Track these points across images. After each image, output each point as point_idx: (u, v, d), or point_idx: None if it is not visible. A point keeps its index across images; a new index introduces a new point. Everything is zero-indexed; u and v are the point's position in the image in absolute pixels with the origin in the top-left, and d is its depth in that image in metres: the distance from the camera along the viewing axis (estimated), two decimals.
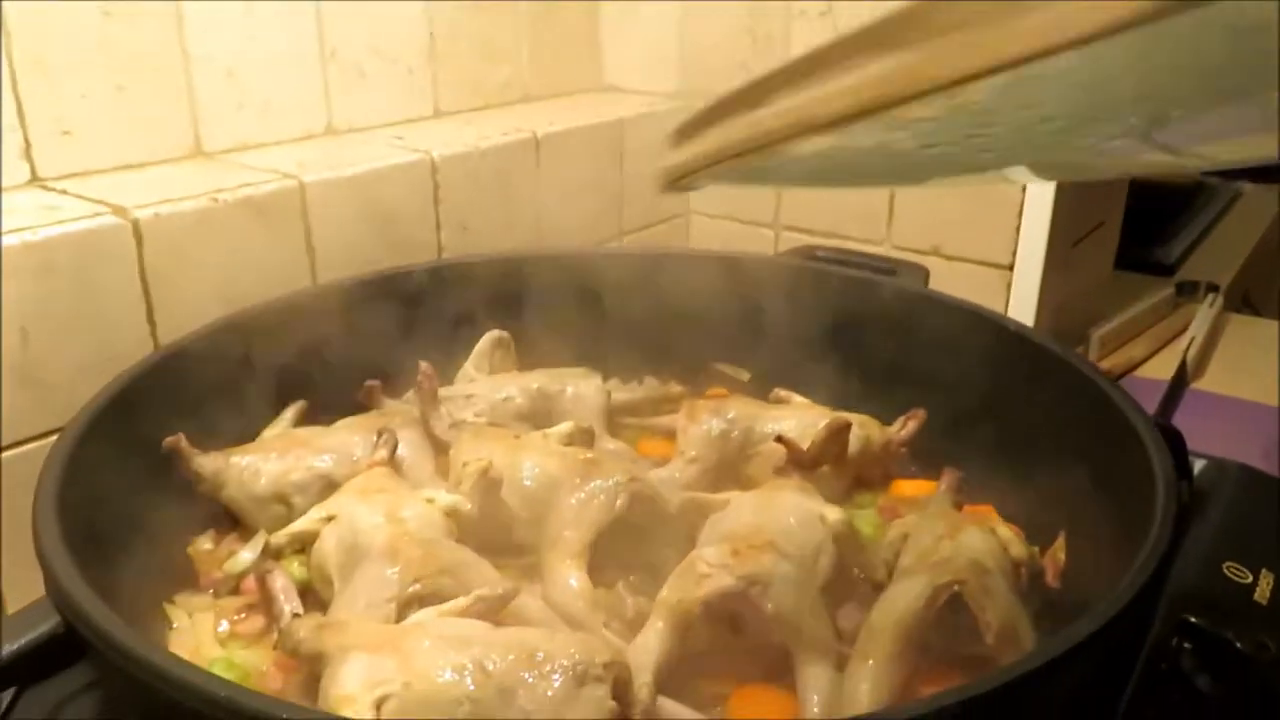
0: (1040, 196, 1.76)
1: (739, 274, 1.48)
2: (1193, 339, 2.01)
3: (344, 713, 0.77)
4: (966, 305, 1.31)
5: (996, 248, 1.80)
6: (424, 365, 1.22)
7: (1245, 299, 2.44)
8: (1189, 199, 2.90)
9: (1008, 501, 1.17)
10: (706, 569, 0.93)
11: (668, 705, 0.87)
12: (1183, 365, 1.92)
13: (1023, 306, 1.82)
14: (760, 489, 1.10)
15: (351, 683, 0.80)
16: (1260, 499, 1.31)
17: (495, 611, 0.92)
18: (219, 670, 0.93)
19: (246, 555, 1.11)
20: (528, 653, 0.81)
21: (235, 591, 1.07)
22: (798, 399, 1.33)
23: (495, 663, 0.80)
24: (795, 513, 1.02)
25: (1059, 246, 1.83)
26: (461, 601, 0.91)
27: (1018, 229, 1.79)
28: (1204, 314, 2.14)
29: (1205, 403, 1.87)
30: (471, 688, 0.79)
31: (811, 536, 1.00)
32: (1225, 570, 1.11)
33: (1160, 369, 2.00)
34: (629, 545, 1.11)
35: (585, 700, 0.79)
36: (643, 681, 0.85)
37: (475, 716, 0.78)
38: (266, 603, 0.97)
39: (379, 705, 0.79)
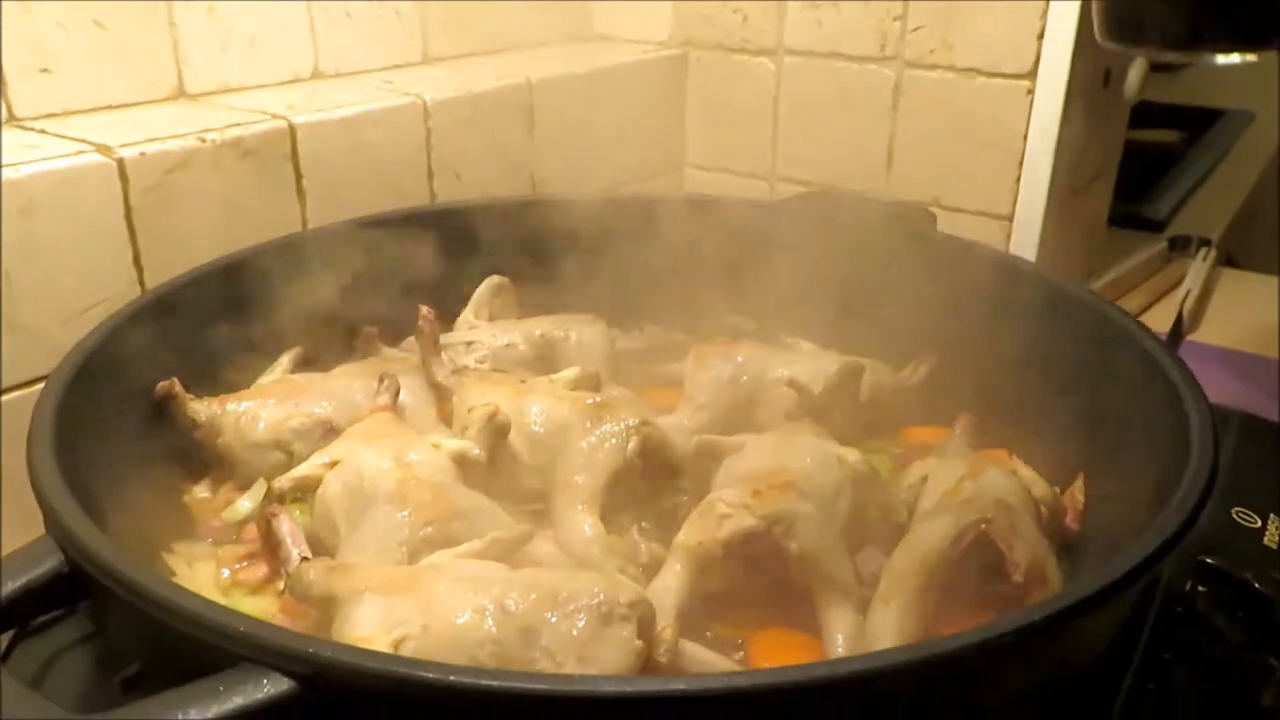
0: (1042, 146, 1.74)
1: (744, 220, 1.45)
2: (1189, 292, 2.01)
3: None
4: (981, 246, 1.29)
5: (996, 198, 1.78)
6: (424, 309, 1.19)
7: (1229, 256, 2.44)
8: (1177, 157, 2.90)
9: (1023, 446, 1.15)
10: (727, 509, 0.90)
11: (690, 648, 0.85)
12: (1179, 318, 1.91)
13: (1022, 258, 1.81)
14: (775, 432, 1.07)
15: (368, 625, 0.77)
16: (1264, 446, 1.31)
17: (510, 554, 0.89)
18: None
19: (246, 503, 1.07)
20: (549, 592, 0.79)
21: (235, 540, 1.04)
22: (806, 345, 1.30)
23: (516, 603, 0.78)
24: (813, 454, 1.00)
25: (1059, 198, 1.81)
26: (477, 544, 0.88)
27: (1018, 179, 1.77)
28: (1198, 268, 2.14)
29: (1202, 354, 1.86)
30: (493, 628, 0.76)
31: (830, 478, 0.98)
32: (1234, 515, 1.11)
33: (1155, 322, 1.99)
34: (641, 490, 1.08)
35: (611, 639, 0.77)
36: (665, 623, 0.82)
37: (498, 657, 0.75)
38: (272, 548, 0.93)
39: (397, 647, 0.76)
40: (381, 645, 0.75)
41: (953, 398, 1.25)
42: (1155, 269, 2.21)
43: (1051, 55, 1.66)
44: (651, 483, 1.09)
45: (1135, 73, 1.90)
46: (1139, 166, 2.47)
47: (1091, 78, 1.76)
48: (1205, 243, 2.31)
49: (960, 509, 0.91)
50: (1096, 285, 1.99)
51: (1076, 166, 1.88)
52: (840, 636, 0.88)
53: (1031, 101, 1.70)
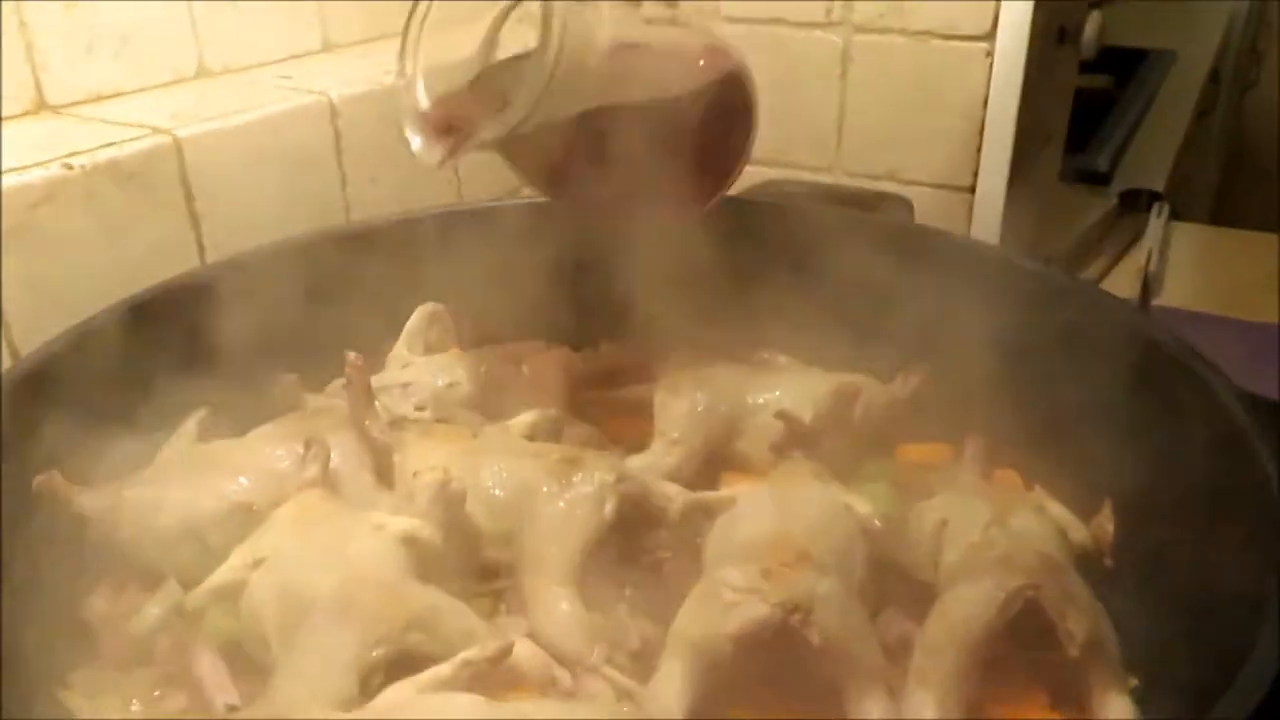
0: (1003, 111, 1.63)
1: (703, 217, 1.30)
2: (1150, 251, 1.93)
3: None
4: (964, 240, 1.17)
5: (957, 169, 1.66)
6: (351, 356, 1.02)
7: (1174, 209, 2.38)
8: (1109, 104, 2.83)
9: (1037, 466, 1.04)
10: (734, 596, 0.77)
11: None
12: (1146, 281, 1.84)
13: (986, 230, 1.70)
14: (770, 480, 0.94)
15: None
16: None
17: (487, 678, 0.75)
18: None
19: (155, 610, 0.90)
20: None
21: (145, 661, 0.87)
22: (784, 360, 1.17)
23: None
24: (821, 509, 0.87)
25: (1021, 165, 1.71)
26: (444, 670, 0.73)
27: (979, 148, 1.66)
28: (1155, 225, 2.06)
29: (1171, 320, 1.79)
30: None
31: (843, 535, 0.85)
32: None
33: (1117, 286, 1.91)
34: (620, 553, 0.94)
35: None
36: None
37: None
38: (192, 691, 0.77)
39: None
40: None
41: (949, 411, 1.13)
42: (1109, 227, 2.13)
43: (1011, 14, 1.54)
44: (629, 538, 0.96)
45: (1092, 26, 1.79)
46: (1074, 117, 2.39)
47: (1047, 35, 1.65)
48: (1156, 196, 2.24)
49: (999, 570, 0.79)
50: (1056, 250, 1.91)
51: (1035, 130, 1.78)
52: None
53: (991, 64, 1.58)
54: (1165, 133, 2.81)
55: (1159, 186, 2.34)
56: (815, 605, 0.76)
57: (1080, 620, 0.77)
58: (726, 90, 1.09)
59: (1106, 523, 0.94)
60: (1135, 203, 2.24)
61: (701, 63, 1.08)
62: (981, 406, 1.11)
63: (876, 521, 0.85)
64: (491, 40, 1.04)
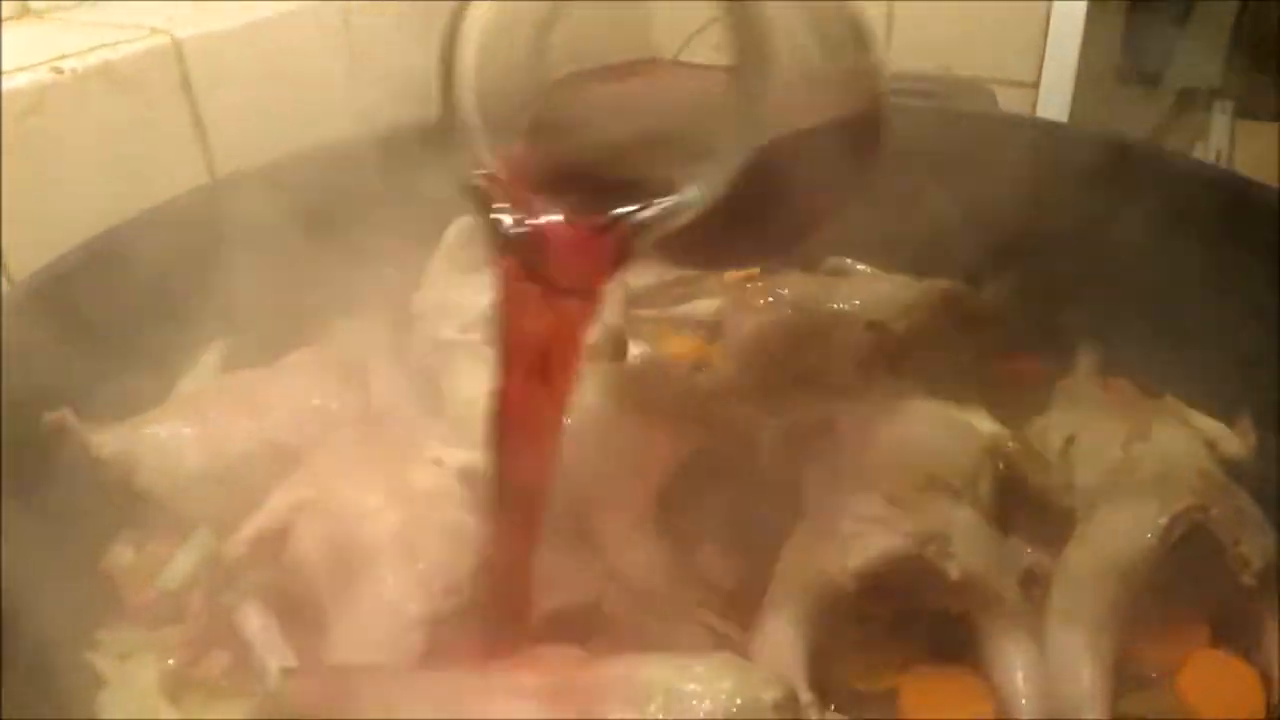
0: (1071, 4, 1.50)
1: None
2: (1219, 152, 1.80)
3: None
4: (1063, 127, 1.05)
5: (1019, 64, 1.53)
6: (386, 273, 0.91)
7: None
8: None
9: (1148, 372, 0.94)
10: (857, 526, 0.67)
11: None
12: None
13: None
14: (872, 398, 0.83)
15: None
16: None
17: (574, 626, 0.65)
18: None
19: (185, 562, 0.80)
20: (660, 698, 0.55)
21: (178, 617, 0.77)
22: (861, 268, 1.06)
23: None
24: (941, 429, 0.77)
25: (1089, 59, 1.58)
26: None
27: (1045, 38, 1.52)
28: (1220, 124, 1.93)
29: None
30: None
31: (970, 458, 0.75)
32: None
33: None
34: (703, 486, 0.84)
35: None
36: (808, 702, 0.60)
37: None
38: (241, 652, 0.68)
39: None
40: None
41: (1046, 319, 1.02)
42: (1169, 128, 2.00)
43: None
44: (714, 475, 0.86)
45: None
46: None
47: None
48: (1216, 93, 2.10)
49: (1157, 490, 0.69)
50: None
51: (1098, 22, 1.64)
52: (1019, 678, 0.67)
53: None
54: (1218, 24, 2.66)
55: (1216, 82, 2.20)
56: (954, 535, 0.66)
57: (1255, 544, 0.67)
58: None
59: (1245, 433, 0.83)
60: (1195, 100, 2.11)
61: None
62: (1086, 311, 1.00)
63: (1010, 441, 0.74)
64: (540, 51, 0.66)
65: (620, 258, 0.55)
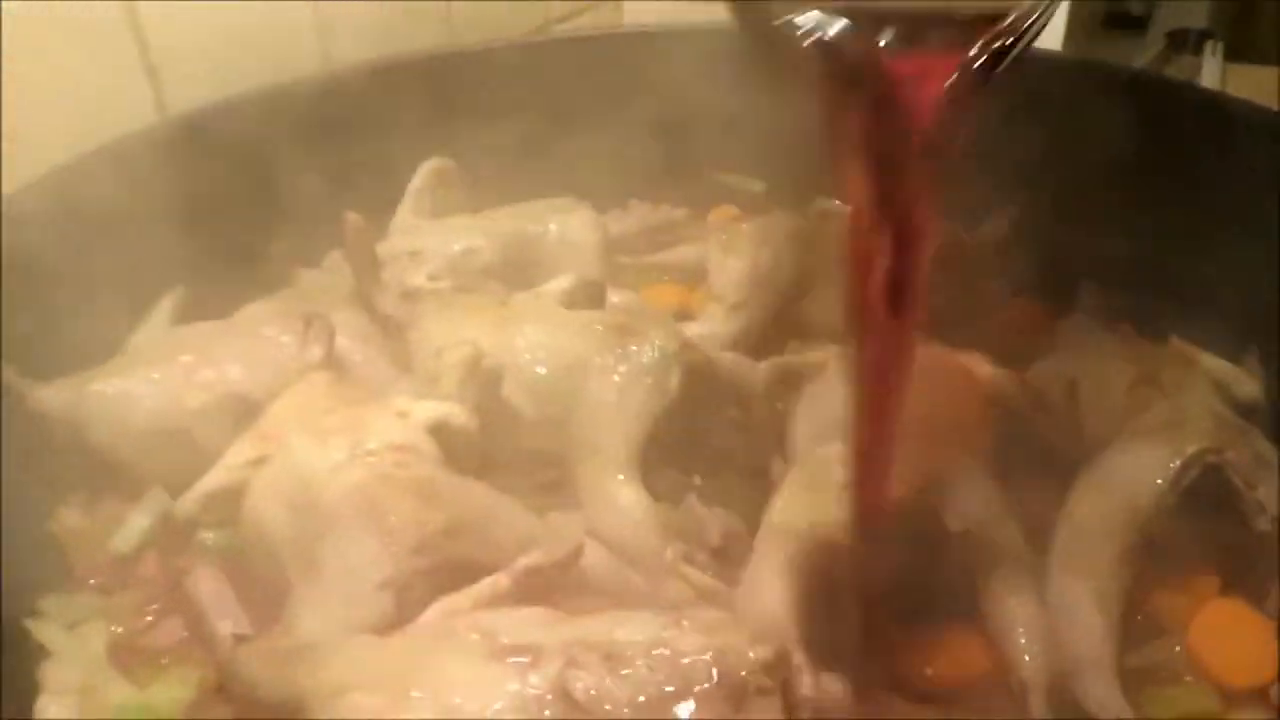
0: None
1: (733, 51, 1.12)
2: None
3: None
4: (1044, 53, 1.00)
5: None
6: (351, 217, 0.85)
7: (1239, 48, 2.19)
8: None
9: (1151, 314, 0.90)
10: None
11: (835, 687, 0.59)
12: None
13: None
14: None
15: None
16: None
17: (553, 588, 0.61)
18: None
19: (140, 523, 0.76)
20: (638, 662, 0.51)
21: (129, 583, 0.73)
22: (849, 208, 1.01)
23: (590, 687, 0.50)
24: (932, 370, 0.72)
25: (1078, 4, 1.53)
26: (502, 579, 0.59)
27: None
28: (1210, 66, 1.88)
29: None
30: None
31: (969, 403, 0.71)
32: None
33: None
34: (685, 434, 0.80)
35: None
36: (800, 662, 0.56)
37: None
38: (191, 620, 0.63)
39: None
40: None
41: (1045, 259, 0.98)
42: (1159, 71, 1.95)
43: None
44: (697, 422, 0.82)
45: None
46: None
47: None
48: (1206, 35, 2.05)
49: (1168, 433, 0.65)
50: None
51: None
52: (1022, 629, 0.63)
53: None
54: None
55: (1204, 23, 2.15)
56: (955, 481, 0.62)
57: (1272, 489, 0.63)
58: None
59: (1255, 372, 0.80)
60: (1184, 44, 2.06)
61: None
62: (1087, 252, 0.96)
63: (1009, 385, 0.70)
64: None
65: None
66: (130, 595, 0.72)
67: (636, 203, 1.14)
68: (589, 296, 0.88)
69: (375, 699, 0.51)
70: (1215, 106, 0.92)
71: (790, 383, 0.76)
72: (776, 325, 0.95)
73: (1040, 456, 0.74)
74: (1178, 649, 0.65)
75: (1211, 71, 1.89)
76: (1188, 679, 0.64)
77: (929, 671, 0.65)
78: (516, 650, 0.52)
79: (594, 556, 0.66)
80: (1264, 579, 0.66)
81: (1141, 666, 0.64)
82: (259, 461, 0.69)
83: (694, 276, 1.03)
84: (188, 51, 1.02)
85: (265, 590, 0.67)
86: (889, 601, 0.67)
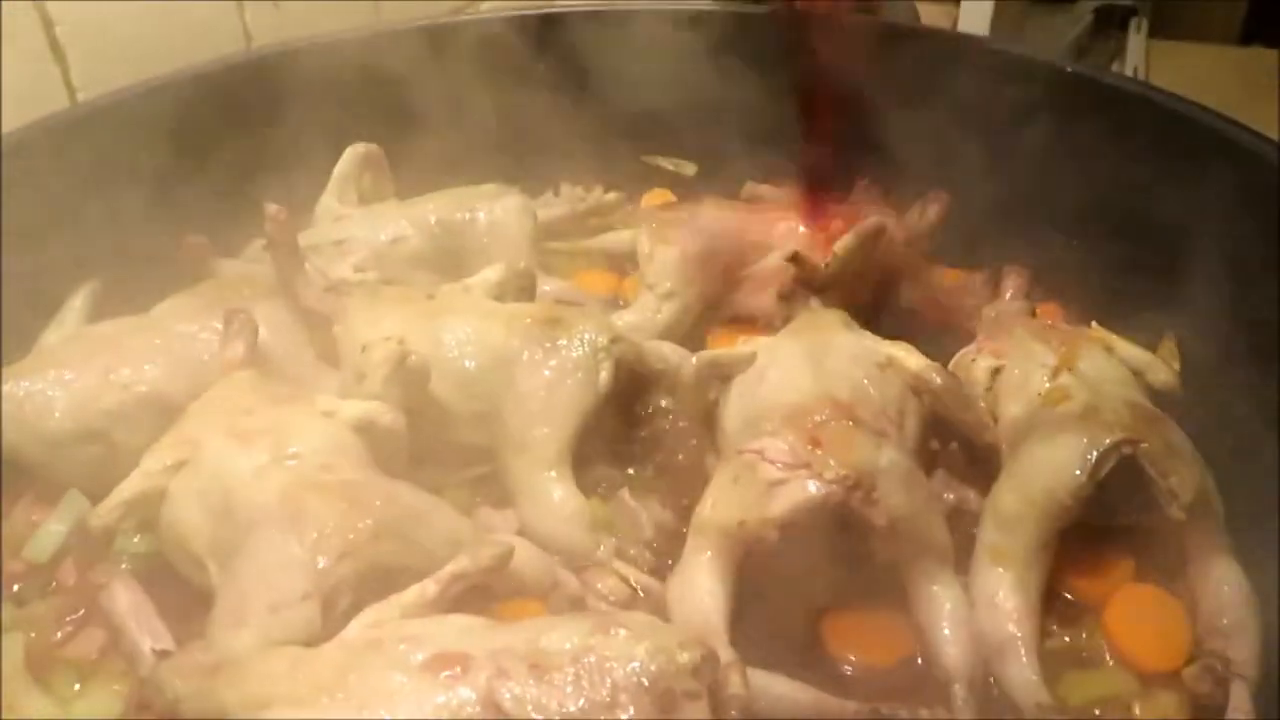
0: None
1: (664, 34, 1.11)
2: (1135, 70, 1.79)
3: None
4: (985, 40, 1.01)
5: None
6: (272, 208, 0.83)
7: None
8: None
9: (1079, 296, 0.92)
10: (778, 473, 0.63)
11: (758, 681, 0.60)
12: None
13: None
14: (792, 331, 0.79)
15: None
16: None
17: (483, 593, 0.60)
18: None
19: (56, 528, 0.74)
20: (569, 671, 0.51)
21: (50, 588, 0.71)
22: (783, 196, 1.01)
23: (522, 698, 0.50)
24: (862, 363, 0.73)
25: None
26: (430, 587, 0.58)
27: None
28: (1135, 43, 1.92)
29: None
30: None
31: (894, 394, 0.72)
32: None
33: None
34: (612, 424, 0.80)
35: None
36: (729, 661, 0.56)
37: None
38: (111, 632, 0.62)
39: None
40: None
41: (974, 240, 1.00)
42: (1084, 48, 1.98)
43: None
44: (622, 410, 0.82)
45: None
46: None
47: None
48: (1131, 11, 2.08)
49: (1086, 424, 0.66)
50: None
51: None
52: (945, 623, 0.64)
53: None
54: None
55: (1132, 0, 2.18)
56: (879, 479, 0.63)
57: (1186, 477, 0.65)
58: None
59: (1170, 358, 0.82)
60: (1111, 19, 2.09)
61: None
62: (1012, 231, 0.97)
63: (935, 376, 0.71)
64: None
65: None
66: (48, 604, 0.70)
67: (567, 187, 1.12)
68: (519, 288, 0.87)
69: (298, 712, 0.50)
70: (1132, 95, 0.93)
71: (721, 374, 0.75)
72: (706, 313, 0.95)
73: (963, 446, 0.75)
74: (1096, 632, 0.67)
75: (1136, 48, 1.93)
76: (1106, 663, 0.65)
77: (853, 658, 0.66)
78: (444, 661, 0.52)
79: (524, 555, 0.66)
80: (1176, 563, 0.68)
81: (1060, 650, 0.66)
82: (178, 466, 0.67)
83: (626, 262, 1.02)
84: (97, 33, 0.99)
85: (186, 600, 0.65)
86: (815, 593, 0.68)
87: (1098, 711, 0.63)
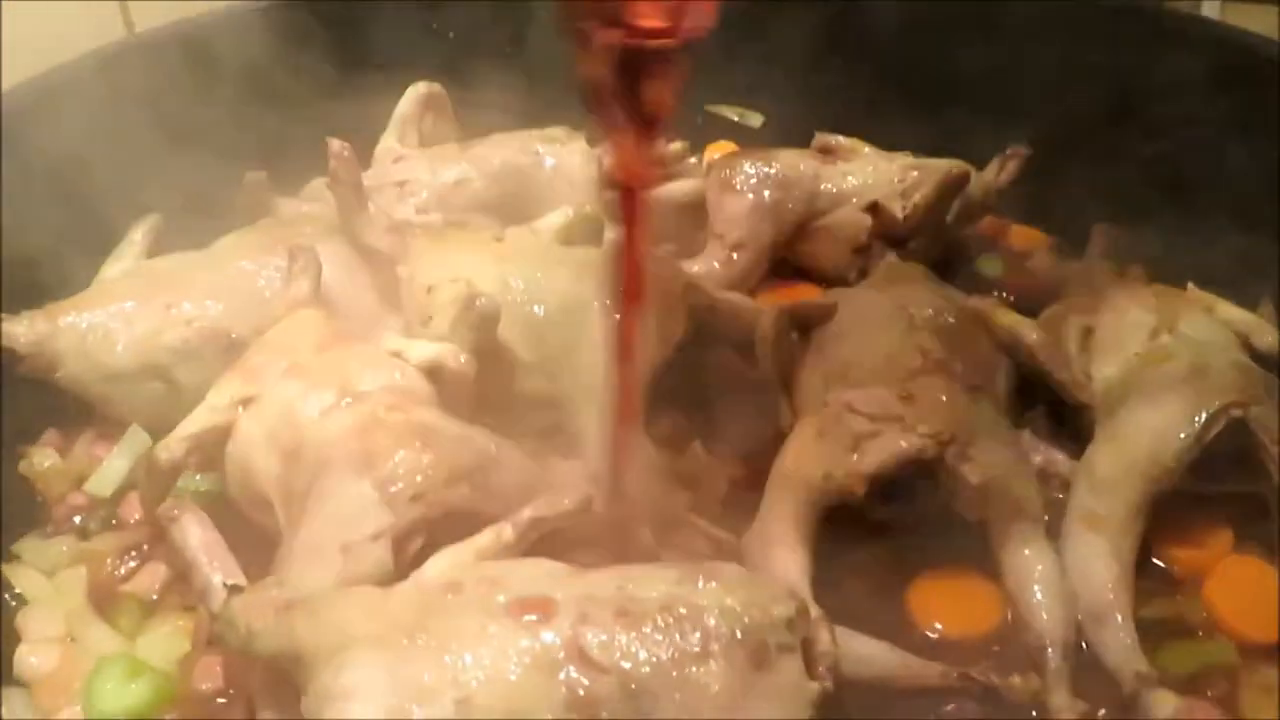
0: None
1: None
2: None
3: None
4: None
5: None
6: (335, 144, 0.81)
7: None
8: None
9: (1176, 256, 0.88)
10: (868, 425, 0.61)
11: (850, 641, 0.57)
12: None
13: None
14: (873, 283, 0.77)
15: (367, 709, 0.47)
16: None
17: (558, 533, 0.58)
18: (118, 682, 0.58)
19: (118, 463, 0.72)
20: (657, 618, 0.49)
21: (111, 523, 0.70)
22: (856, 146, 0.97)
23: (607, 645, 0.48)
24: (949, 315, 0.70)
25: None
26: (507, 531, 0.56)
27: None
28: (1210, 6, 1.85)
29: None
30: (580, 693, 0.47)
31: (986, 350, 0.69)
32: None
33: None
34: (691, 381, 0.78)
35: (774, 690, 0.48)
36: (816, 617, 0.54)
37: None
38: (181, 567, 0.60)
39: None
40: None
41: (1057, 201, 0.96)
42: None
43: None
44: (697, 362, 0.79)
45: None
46: None
47: None
48: None
49: (1191, 387, 0.63)
50: None
51: None
52: (1038, 588, 0.62)
53: None
54: None
55: None
56: (976, 435, 0.60)
57: None
58: None
59: (1271, 320, 0.78)
60: None
61: None
62: (1100, 192, 0.93)
63: (1030, 332, 0.68)
64: None
65: None
66: (110, 539, 0.68)
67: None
68: (586, 232, 0.84)
69: (379, 654, 0.49)
70: (1221, 39, 0.89)
71: (801, 325, 0.73)
72: (779, 265, 0.92)
73: (1055, 406, 0.72)
74: (1196, 603, 0.64)
75: (1211, 11, 1.86)
76: (1207, 634, 0.63)
77: (939, 625, 0.63)
78: (528, 605, 0.50)
79: (598, 507, 0.64)
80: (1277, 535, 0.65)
81: (1159, 620, 0.63)
82: (245, 402, 0.66)
83: (692, 213, 0.99)
84: None
85: (253, 539, 0.64)
86: (902, 554, 0.65)
87: (1198, 683, 0.60)
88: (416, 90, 0.97)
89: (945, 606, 0.64)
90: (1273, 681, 0.60)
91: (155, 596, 0.65)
